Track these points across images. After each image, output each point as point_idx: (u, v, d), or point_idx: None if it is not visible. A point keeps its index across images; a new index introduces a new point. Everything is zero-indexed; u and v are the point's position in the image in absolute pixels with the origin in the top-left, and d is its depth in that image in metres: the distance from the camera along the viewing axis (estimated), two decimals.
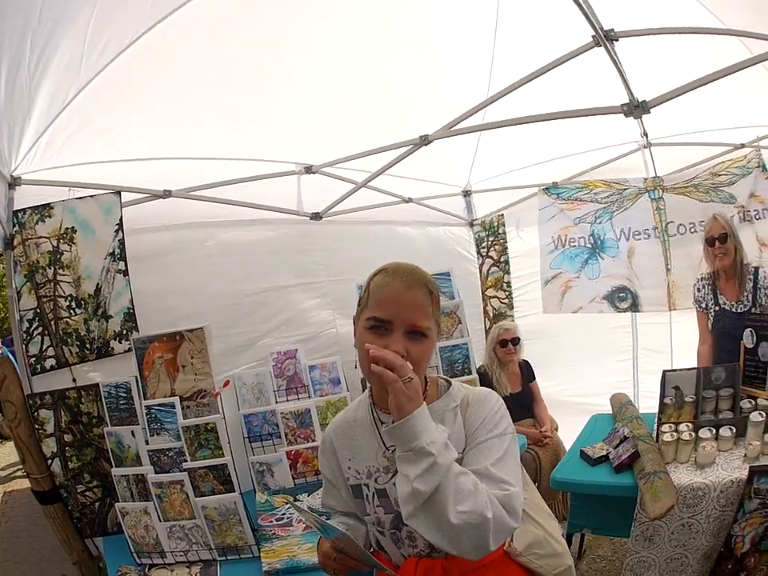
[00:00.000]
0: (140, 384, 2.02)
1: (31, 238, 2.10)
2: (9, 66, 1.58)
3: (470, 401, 1.02)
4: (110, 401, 2.00)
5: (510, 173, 3.35)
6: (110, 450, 1.98)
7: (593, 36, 1.76)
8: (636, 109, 1.92)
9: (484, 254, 3.84)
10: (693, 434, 1.96)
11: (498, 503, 0.87)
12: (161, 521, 1.89)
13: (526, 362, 3.19)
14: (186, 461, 1.88)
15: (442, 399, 1.04)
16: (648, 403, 2.61)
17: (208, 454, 1.86)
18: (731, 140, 2.83)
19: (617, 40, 1.78)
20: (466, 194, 3.73)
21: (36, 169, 2.12)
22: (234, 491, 1.83)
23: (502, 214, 3.71)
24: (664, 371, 2.15)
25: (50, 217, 2.11)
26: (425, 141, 2.17)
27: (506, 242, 3.71)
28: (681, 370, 2.19)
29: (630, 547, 1.90)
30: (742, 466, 1.81)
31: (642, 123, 2.61)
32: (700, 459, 1.89)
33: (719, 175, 2.83)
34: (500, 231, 3.73)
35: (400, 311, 0.94)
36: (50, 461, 2.11)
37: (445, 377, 1.12)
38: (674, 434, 1.98)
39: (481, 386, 2.42)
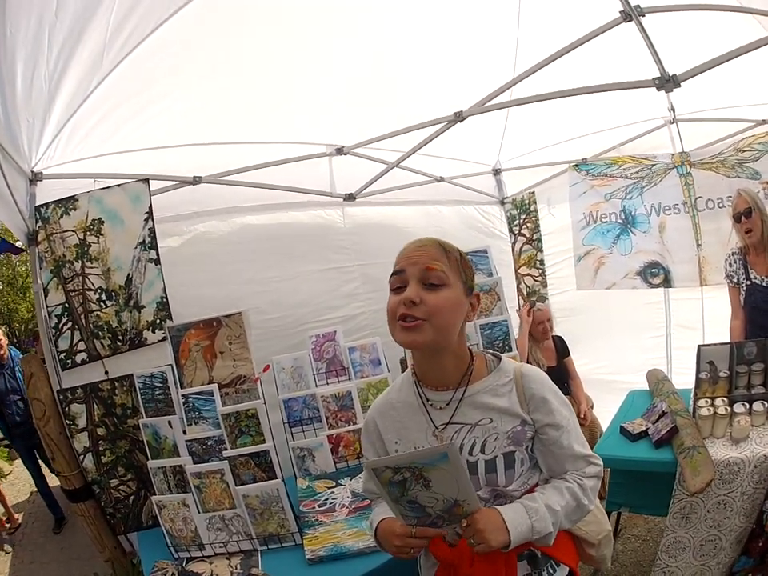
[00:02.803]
0: (176, 373, 2.03)
1: (56, 233, 2.12)
2: (25, 63, 1.62)
3: (523, 373, 1.06)
4: (145, 392, 2.02)
5: (539, 150, 3.38)
6: (146, 443, 2.00)
7: (620, 11, 1.79)
8: (668, 83, 1.94)
9: (516, 231, 3.89)
10: (728, 408, 2.00)
11: (591, 479, 1.06)
12: (199, 512, 1.90)
13: (560, 337, 3.24)
14: (225, 449, 1.90)
15: (493, 375, 1.07)
16: (681, 379, 2.63)
17: (249, 440, 1.87)
18: (754, 116, 2.85)
19: (643, 15, 1.81)
20: (496, 172, 3.77)
21: (58, 162, 2.14)
22: (276, 478, 1.84)
23: (533, 192, 3.75)
24: (699, 346, 2.18)
25: (74, 209, 2.13)
26: (459, 117, 2.19)
27: (538, 219, 3.75)
28: (715, 344, 2.21)
29: (668, 526, 1.95)
30: None
31: (669, 98, 2.63)
32: (735, 434, 1.94)
33: (743, 151, 2.85)
34: (531, 209, 3.76)
35: (412, 260, 1.00)
36: (81, 456, 2.14)
37: (492, 351, 1.15)
38: (711, 408, 2.03)
39: None
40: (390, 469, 0.93)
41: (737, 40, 1.72)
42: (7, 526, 4.44)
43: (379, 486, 0.95)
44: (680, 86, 1.95)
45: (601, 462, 1.10)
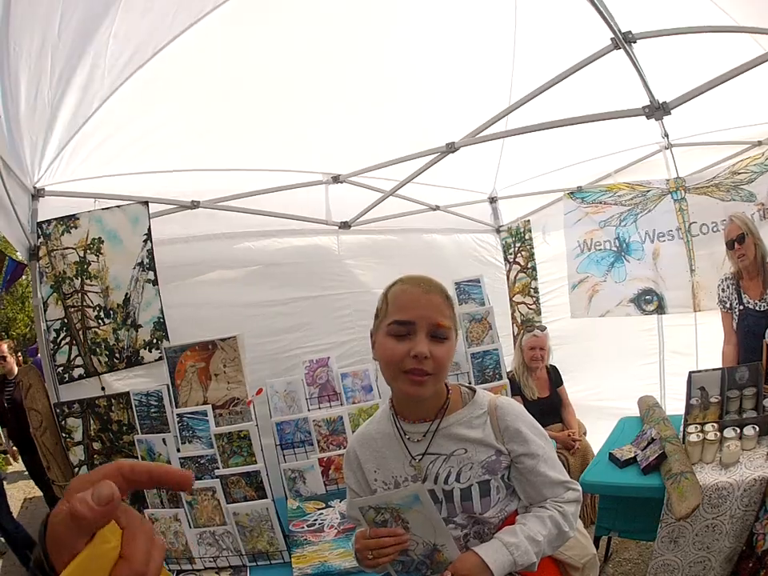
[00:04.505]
0: (171, 392, 2.10)
1: (57, 249, 2.20)
2: (29, 80, 1.70)
3: (497, 405, 1.12)
4: (141, 409, 2.10)
5: (535, 178, 3.46)
6: (140, 458, 2.07)
7: (611, 39, 1.84)
8: (657, 110, 1.99)
9: (511, 260, 3.96)
10: (718, 433, 2.05)
11: (571, 504, 1.11)
12: (191, 527, 1.95)
13: (554, 367, 3.29)
14: (217, 468, 1.96)
15: (468, 407, 1.11)
16: (675, 405, 2.70)
17: (241, 461, 1.94)
18: (749, 137, 2.90)
19: (635, 42, 1.86)
20: (492, 200, 3.85)
21: (60, 180, 2.23)
22: (266, 497, 1.91)
23: (528, 220, 3.82)
24: (690, 372, 2.24)
25: (75, 228, 2.21)
26: (451, 148, 2.26)
27: (533, 247, 3.82)
28: (706, 370, 2.27)
29: (656, 549, 2.00)
30: (764, 465, 1.89)
31: (663, 124, 2.69)
32: (724, 459, 1.98)
33: (738, 173, 2.90)
34: (526, 237, 3.84)
35: (421, 312, 1.01)
36: (76, 469, 2.21)
37: (467, 384, 1.21)
38: (700, 434, 2.07)
39: (510, 390, 2.53)
40: (372, 509, 1.00)
41: (729, 62, 1.77)
42: None
43: (365, 525, 1.02)
44: (670, 113, 2.00)
45: (579, 488, 1.15)
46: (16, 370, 3.88)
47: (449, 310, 1.05)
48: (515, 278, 3.95)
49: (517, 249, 3.90)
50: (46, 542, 0.37)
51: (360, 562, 1.07)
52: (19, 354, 8.55)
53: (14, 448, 4.05)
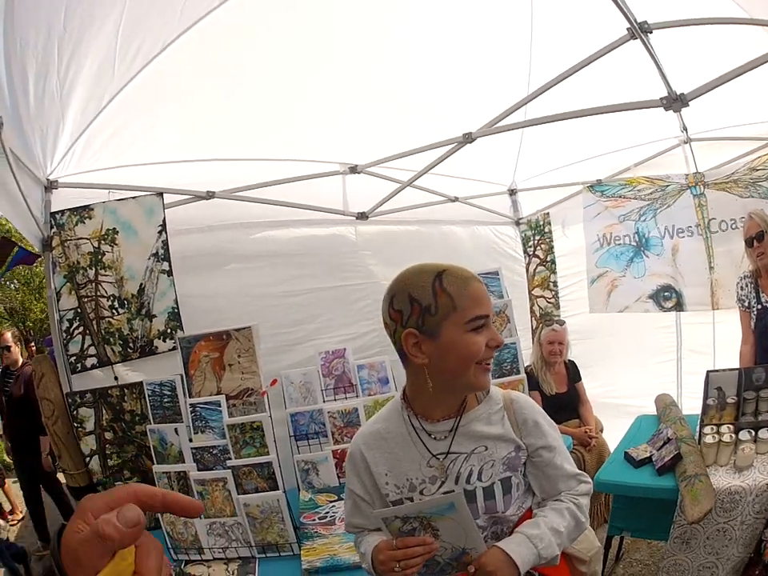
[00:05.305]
0: (185, 382, 2.12)
1: (70, 239, 2.23)
2: (37, 72, 1.71)
3: (513, 399, 1.13)
4: (154, 399, 2.12)
5: (554, 171, 3.45)
6: (152, 448, 2.10)
7: (627, 28, 1.83)
8: (675, 102, 1.97)
9: (530, 253, 3.94)
10: (733, 435, 2.04)
11: (584, 497, 1.12)
12: (201, 518, 1.97)
13: (572, 362, 3.28)
14: (229, 458, 1.98)
15: (484, 403, 1.11)
16: (691, 404, 2.67)
17: (253, 452, 1.95)
18: (767, 133, 2.86)
19: (650, 32, 1.85)
20: (512, 192, 3.84)
21: (74, 172, 2.25)
22: (278, 489, 1.92)
23: (548, 213, 3.80)
24: (708, 371, 2.22)
25: (89, 218, 2.23)
26: (468, 138, 2.25)
27: (552, 240, 3.81)
28: (723, 370, 2.25)
29: (668, 549, 2.00)
30: None
31: (682, 117, 2.66)
32: (738, 462, 1.97)
33: (757, 170, 2.86)
34: (546, 230, 3.82)
35: (486, 305, 1.04)
36: (88, 458, 2.24)
37: None
38: (716, 435, 2.06)
39: (528, 385, 2.53)
40: (399, 519, 0.96)
41: (746, 55, 1.75)
42: (9, 517, 4.60)
43: (388, 534, 1.00)
44: (688, 105, 1.98)
45: (590, 480, 1.16)
46: (21, 361, 3.80)
47: None
48: (534, 271, 3.93)
49: (536, 242, 3.88)
50: (61, 559, 0.39)
51: (383, 573, 1.01)
52: (32, 344, 8.73)
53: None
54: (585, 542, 1.25)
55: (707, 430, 2.10)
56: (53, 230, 2.21)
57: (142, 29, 1.80)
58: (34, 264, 2.75)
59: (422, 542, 0.97)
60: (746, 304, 2.52)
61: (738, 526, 1.86)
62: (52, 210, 2.22)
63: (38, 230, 2.17)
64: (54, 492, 3.79)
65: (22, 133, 1.88)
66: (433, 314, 1.00)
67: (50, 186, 2.22)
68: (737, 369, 2.25)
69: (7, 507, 4.65)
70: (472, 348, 1.00)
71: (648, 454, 2.19)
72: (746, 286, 2.52)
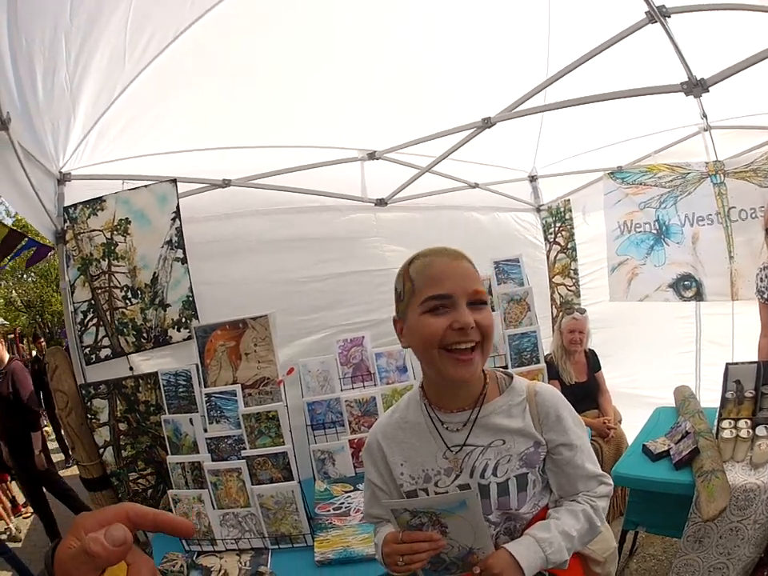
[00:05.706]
0: (200, 372, 2.11)
1: (84, 232, 2.24)
2: (45, 66, 1.71)
3: (536, 391, 1.08)
4: (169, 389, 2.12)
5: (574, 157, 3.40)
6: (166, 438, 2.10)
7: (646, 12, 1.80)
8: (695, 87, 1.93)
9: (551, 240, 3.90)
10: (751, 431, 2.00)
11: (602, 499, 1.08)
12: (214, 508, 1.98)
13: (593, 351, 3.23)
14: (244, 448, 1.98)
15: (505, 394, 1.07)
16: (709, 396, 2.62)
17: (268, 441, 1.94)
18: None
19: (669, 16, 1.82)
20: (533, 178, 3.79)
21: (87, 164, 2.26)
22: (293, 480, 1.91)
23: (569, 199, 3.75)
24: (727, 364, 2.19)
25: (102, 210, 2.24)
26: (487, 123, 2.22)
27: (573, 227, 3.77)
28: (742, 363, 2.22)
29: (681, 548, 1.98)
30: None
31: (702, 105, 2.61)
32: (755, 458, 1.94)
33: None
34: (567, 217, 3.78)
35: (457, 282, 0.95)
36: (101, 449, 2.25)
37: (504, 370, 1.16)
38: (733, 430, 2.03)
39: (548, 374, 2.50)
40: (409, 512, 0.95)
41: (764, 41, 1.70)
42: (23, 510, 4.66)
43: (396, 526, 0.98)
44: (708, 90, 1.93)
45: (611, 482, 1.12)
46: (6, 358, 3.73)
47: (478, 274, 1.01)
48: (555, 258, 3.89)
49: (557, 228, 3.83)
50: (54, 573, 0.40)
51: (388, 566, 1.01)
52: (41, 339, 8.83)
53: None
54: (601, 543, 1.22)
55: (725, 424, 2.07)
56: (66, 224, 2.22)
57: (152, 20, 1.79)
58: (48, 256, 2.77)
59: (429, 538, 0.95)
60: (766, 296, 2.48)
61: (751, 525, 1.83)
62: (65, 204, 2.23)
63: (51, 223, 2.19)
64: (55, 491, 3.75)
65: (32, 127, 1.89)
66: (402, 300, 1.02)
67: (63, 179, 2.24)
68: (755, 362, 2.22)
69: (21, 500, 4.71)
70: (425, 330, 0.95)
71: (666, 448, 2.17)
72: (766, 277, 2.47)
